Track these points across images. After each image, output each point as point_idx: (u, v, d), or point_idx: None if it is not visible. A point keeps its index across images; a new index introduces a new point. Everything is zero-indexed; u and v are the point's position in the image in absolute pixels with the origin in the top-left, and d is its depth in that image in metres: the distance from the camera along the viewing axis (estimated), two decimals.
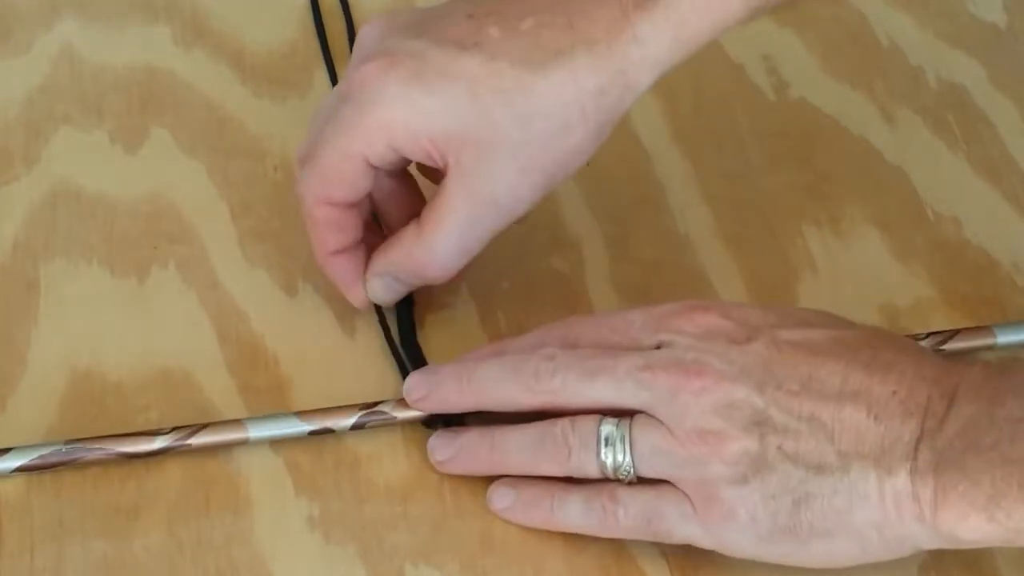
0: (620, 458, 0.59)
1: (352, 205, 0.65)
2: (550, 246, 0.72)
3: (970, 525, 0.55)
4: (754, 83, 0.80)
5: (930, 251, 0.73)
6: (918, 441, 0.56)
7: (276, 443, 0.65)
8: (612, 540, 0.62)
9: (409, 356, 0.67)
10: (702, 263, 0.72)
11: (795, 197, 0.75)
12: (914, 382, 0.57)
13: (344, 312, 0.69)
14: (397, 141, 0.62)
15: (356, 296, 0.68)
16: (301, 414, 0.64)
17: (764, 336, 0.59)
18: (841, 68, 0.81)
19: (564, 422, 0.61)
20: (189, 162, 0.75)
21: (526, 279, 0.71)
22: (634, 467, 0.59)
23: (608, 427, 0.60)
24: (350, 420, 0.64)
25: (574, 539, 0.62)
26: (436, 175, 0.66)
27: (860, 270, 0.72)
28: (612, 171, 0.76)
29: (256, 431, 0.64)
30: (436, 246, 0.64)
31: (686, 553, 0.61)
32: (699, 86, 0.80)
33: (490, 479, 0.63)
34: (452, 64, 0.62)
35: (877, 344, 0.59)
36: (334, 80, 0.78)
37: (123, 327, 0.68)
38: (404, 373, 0.66)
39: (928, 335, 0.68)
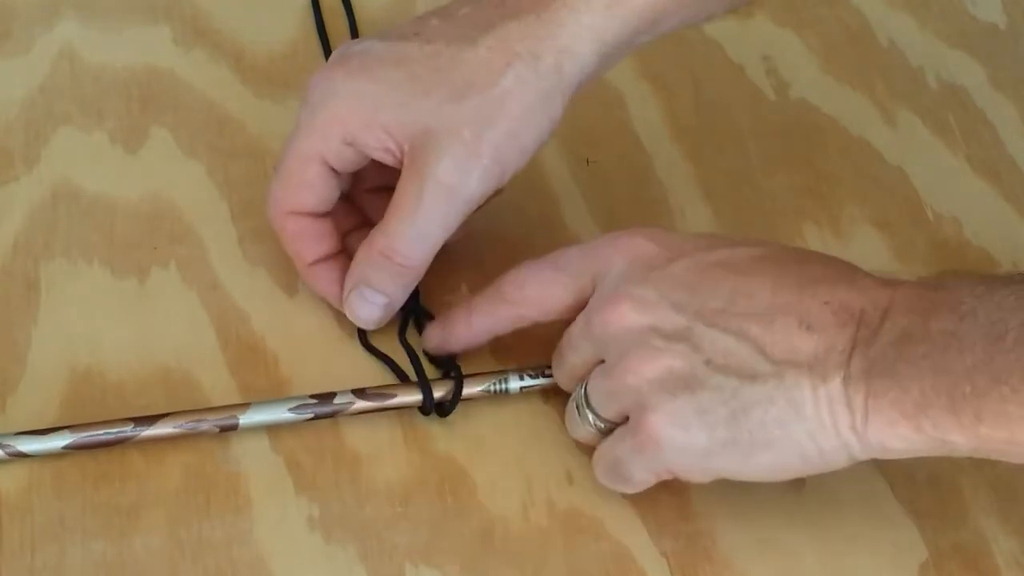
0: (591, 417, 0.62)
1: (322, 215, 0.67)
2: (550, 246, 0.72)
3: (898, 433, 0.55)
4: (754, 83, 0.80)
5: (930, 251, 0.73)
6: (852, 350, 0.56)
7: (276, 443, 0.65)
8: (613, 541, 0.62)
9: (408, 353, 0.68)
10: None
11: (795, 197, 0.75)
12: (847, 294, 0.57)
13: (343, 312, 0.69)
14: (351, 134, 0.64)
15: (341, 303, 0.68)
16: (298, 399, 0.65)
17: (687, 258, 0.60)
18: (841, 68, 0.81)
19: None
20: (189, 162, 0.75)
21: None
22: (598, 417, 0.61)
23: (576, 395, 0.62)
24: (347, 399, 0.64)
25: (574, 539, 0.62)
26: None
27: None
28: (612, 171, 0.76)
29: (254, 414, 0.64)
30: (395, 230, 0.65)
31: (686, 553, 0.61)
32: (699, 86, 0.80)
33: (492, 478, 0.63)
34: (393, 53, 0.64)
35: (806, 259, 0.60)
36: None
37: (123, 327, 0.68)
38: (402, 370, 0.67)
39: None
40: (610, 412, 0.61)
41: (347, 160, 0.65)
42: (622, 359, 0.59)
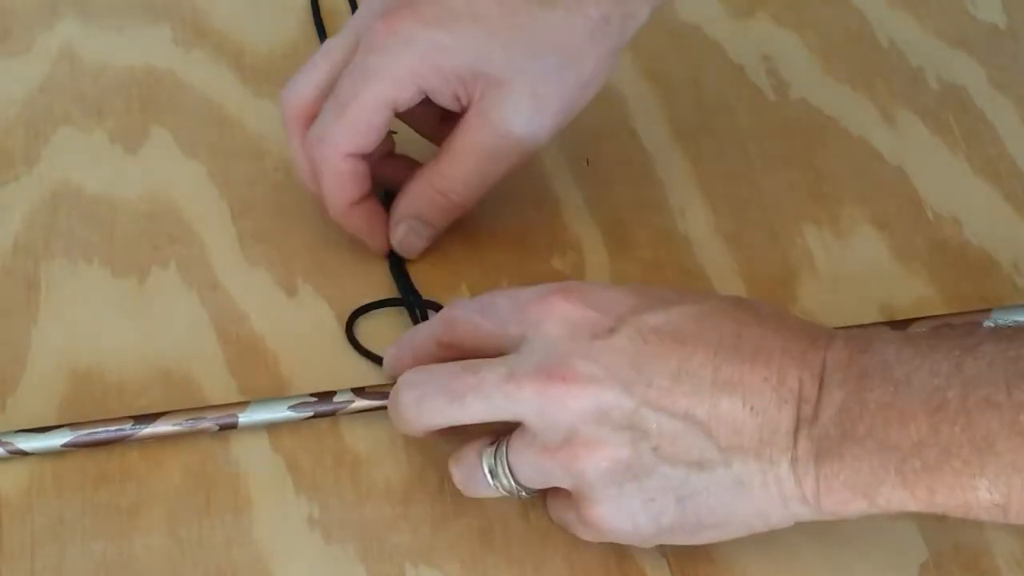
0: (507, 483, 0.59)
1: (371, 154, 0.68)
2: (550, 246, 0.72)
3: (853, 508, 0.55)
4: (754, 83, 0.80)
5: (930, 251, 0.73)
6: (796, 431, 0.55)
7: (276, 443, 0.65)
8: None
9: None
10: (702, 263, 0.72)
11: (795, 197, 0.75)
12: (783, 363, 0.56)
13: (344, 312, 0.69)
14: (428, 83, 0.66)
15: (379, 241, 0.70)
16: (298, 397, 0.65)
17: (628, 326, 0.57)
18: (841, 68, 0.81)
19: (452, 459, 0.61)
20: (189, 162, 0.75)
21: (526, 279, 0.71)
22: (523, 488, 0.59)
23: (488, 459, 0.59)
24: (347, 397, 0.65)
25: (574, 538, 0.62)
26: (423, 126, 0.71)
27: (860, 270, 0.72)
28: (612, 171, 0.76)
29: (254, 412, 0.64)
30: (457, 175, 0.68)
31: (686, 553, 0.61)
32: (699, 86, 0.80)
33: None
34: (469, 6, 0.66)
35: (741, 319, 0.57)
36: None
37: (123, 327, 0.68)
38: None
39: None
40: (540, 485, 0.59)
41: (410, 104, 0.67)
42: (566, 443, 0.57)
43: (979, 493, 0.53)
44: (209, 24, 0.81)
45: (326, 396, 0.65)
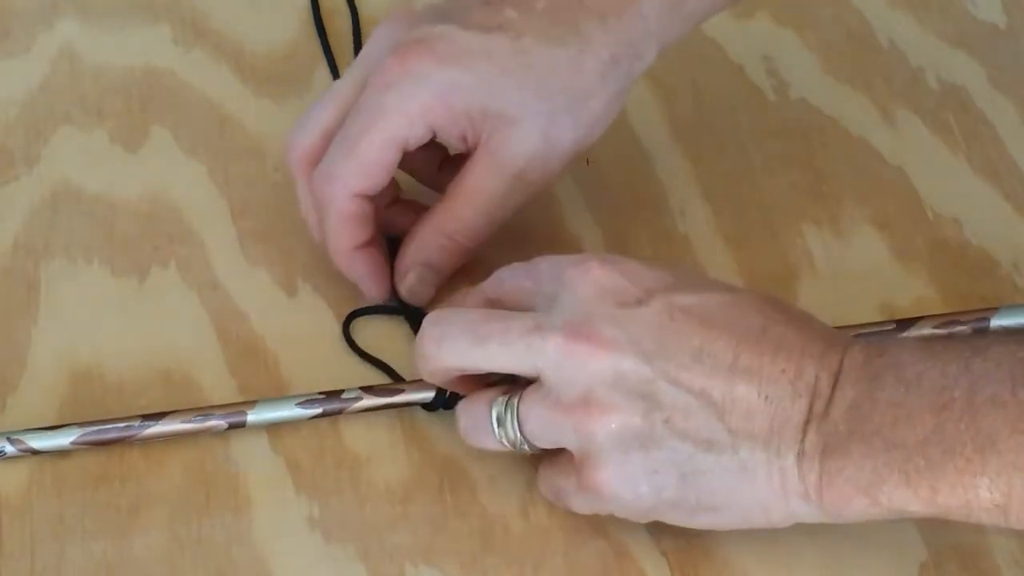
0: (513, 435, 0.60)
1: (377, 195, 0.67)
2: (550, 246, 0.72)
3: (854, 507, 0.56)
4: (754, 83, 0.80)
5: (930, 251, 0.73)
6: (806, 424, 0.56)
7: (276, 443, 0.65)
8: (612, 540, 0.62)
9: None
10: (702, 263, 0.72)
11: (795, 197, 0.75)
12: (802, 360, 0.57)
13: (344, 312, 0.69)
14: (438, 121, 0.65)
15: (381, 289, 0.69)
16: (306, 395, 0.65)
17: (658, 301, 0.58)
18: (841, 68, 0.81)
19: (461, 404, 0.62)
20: (189, 162, 0.75)
21: None
22: (527, 442, 0.60)
23: (498, 407, 0.60)
24: (355, 395, 0.65)
25: (574, 537, 0.62)
26: (423, 173, 0.70)
27: (860, 270, 0.72)
28: (612, 171, 0.76)
29: (263, 411, 0.64)
30: (465, 216, 0.67)
31: (686, 552, 0.61)
32: (699, 86, 0.80)
33: (492, 478, 0.64)
34: (482, 44, 0.65)
35: (769, 314, 0.58)
36: (335, 80, 0.78)
37: (123, 327, 0.68)
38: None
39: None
40: (544, 443, 0.60)
41: (419, 143, 0.66)
42: (580, 402, 0.57)
43: (980, 492, 0.53)
44: (209, 24, 0.81)
45: (334, 394, 0.64)
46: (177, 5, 0.82)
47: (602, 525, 0.62)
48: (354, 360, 0.68)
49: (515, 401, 0.59)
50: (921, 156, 0.77)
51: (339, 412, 0.64)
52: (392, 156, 0.66)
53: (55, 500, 0.63)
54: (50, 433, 0.63)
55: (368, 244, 0.67)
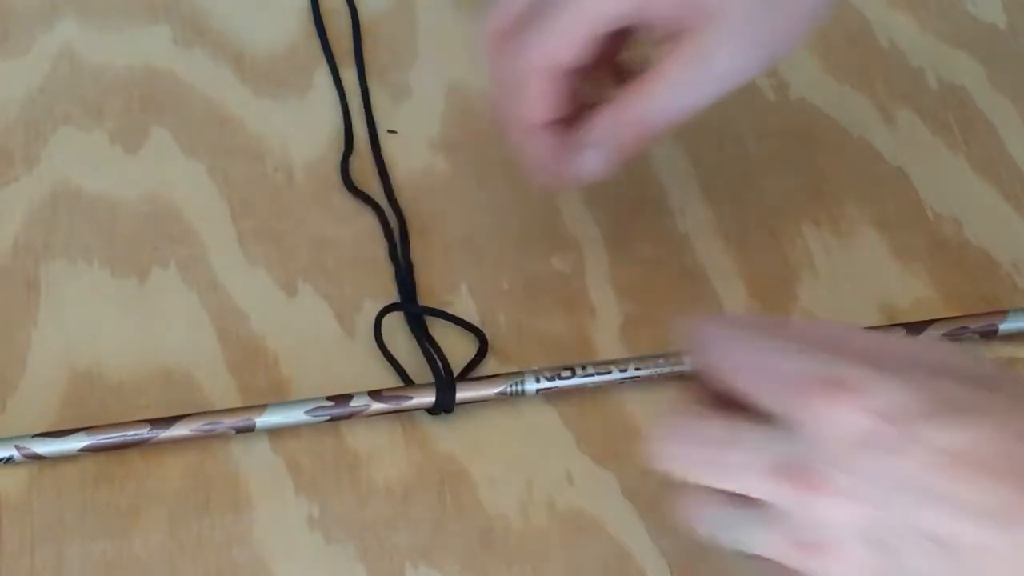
0: (731, 539, 0.54)
1: (574, 72, 0.65)
2: (550, 246, 0.72)
3: None
4: (754, 83, 0.80)
5: (930, 251, 0.73)
6: None
7: (276, 443, 0.65)
8: (613, 540, 0.62)
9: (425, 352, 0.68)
10: (702, 263, 0.72)
11: (795, 197, 0.75)
12: None
13: (344, 312, 0.69)
14: (649, 1, 0.63)
15: (555, 172, 0.66)
16: (314, 401, 0.65)
17: (917, 445, 0.50)
18: (841, 68, 0.81)
19: (700, 492, 0.55)
20: (189, 162, 0.75)
21: (526, 279, 0.71)
22: (743, 550, 0.54)
23: (735, 516, 0.54)
24: (364, 402, 0.64)
25: (574, 538, 0.62)
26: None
27: (860, 270, 0.72)
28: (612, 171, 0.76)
29: (271, 416, 0.64)
30: (661, 106, 0.65)
31: (686, 552, 0.61)
32: None
33: (492, 478, 0.63)
34: None
35: None
36: (335, 80, 0.78)
37: (123, 327, 0.68)
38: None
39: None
40: (767, 557, 0.54)
41: (625, 23, 0.64)
42: (814, 544, 0.52)
43: None
44: (209, 24, 0.81)
45: (342, 400, 0.64)
46: (177, 5, 0.82)
47: (602, 525, 0.62)
48: (353, 359, 0.68)
49: (751, 516, 0.53)
50: (921, 156, 0.77)
51: (348, 417, 0.64)
52: (600, 28, 0.64)
53: (55, 500, 0.63)
54: (58, 439, 0.63)
55: (557, 123, 0.66)
